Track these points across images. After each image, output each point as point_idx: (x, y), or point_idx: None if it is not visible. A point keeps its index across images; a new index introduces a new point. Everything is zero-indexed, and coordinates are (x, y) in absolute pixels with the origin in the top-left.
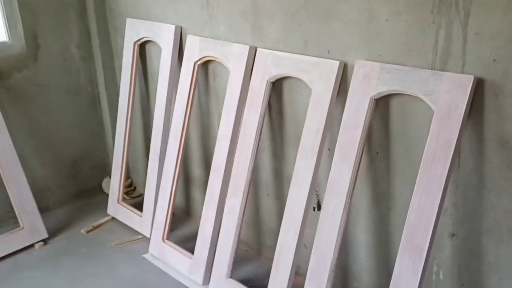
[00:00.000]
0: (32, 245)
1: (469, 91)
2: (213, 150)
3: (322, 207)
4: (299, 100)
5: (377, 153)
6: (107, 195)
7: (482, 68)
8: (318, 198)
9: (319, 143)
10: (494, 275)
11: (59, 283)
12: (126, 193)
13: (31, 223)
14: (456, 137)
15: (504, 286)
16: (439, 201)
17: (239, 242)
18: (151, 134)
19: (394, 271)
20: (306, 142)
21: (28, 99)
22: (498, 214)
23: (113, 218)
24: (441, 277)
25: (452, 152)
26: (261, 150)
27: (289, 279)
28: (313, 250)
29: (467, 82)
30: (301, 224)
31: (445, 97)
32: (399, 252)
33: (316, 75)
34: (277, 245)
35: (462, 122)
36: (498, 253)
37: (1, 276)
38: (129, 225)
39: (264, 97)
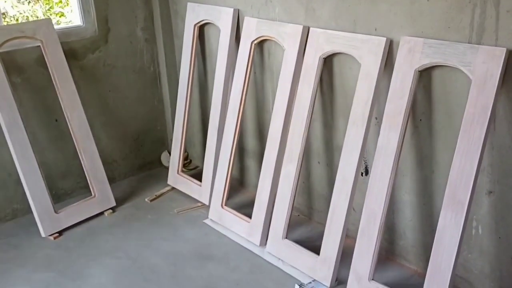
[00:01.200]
0: (102, 213)
1: (502, 62)
2: (267, 123)
3: (371, 171)
4: (349, 74)
5: (420, 120)
6: (165, 168)
7: None
8: (366, 163)
9: (368, 112)
10: None
11: (131, 245)
12: (183, 166)
13: (101, 191)
14: (492, 102)
15: None
16: (477, 160)
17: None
18: (207, 110)
19: (438, 224)
20: (356, 111)
21: (99, 78)
22: None
23: (173, 188)
24: (480, 231)
25: (488, 116)
26: (313, 120)
27: (341, 238)
28: (363, 210)
29: (500, 54)
30: (352, 187)
31: (481, 68)
32: (442, 207)
33: (365, 51)
34: (330, 208)
35: (496, 89)
36: None
37: (78, 239)
38: (188, 193)
39: (317, 72)
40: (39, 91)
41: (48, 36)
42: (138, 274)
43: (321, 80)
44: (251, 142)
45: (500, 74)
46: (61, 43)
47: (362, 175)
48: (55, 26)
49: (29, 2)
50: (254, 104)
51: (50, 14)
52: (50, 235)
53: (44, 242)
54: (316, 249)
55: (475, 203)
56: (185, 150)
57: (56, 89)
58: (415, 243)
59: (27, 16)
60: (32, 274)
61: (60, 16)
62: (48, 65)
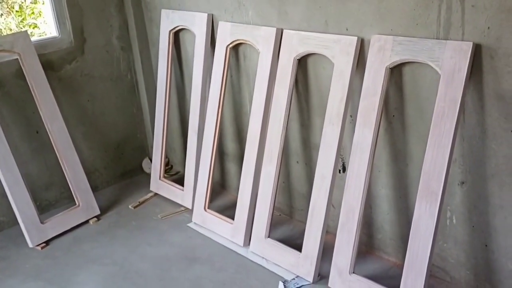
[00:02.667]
0: (87, 221)
1: (469, 55)
2: (245, 126)
3: (348, 168)
4: (323, 74)
5: (393, 116)
6: (147, 174)
7: (479, 35)
8: (343, 161)
9: (343, 111)
10: (499, 215)
11: (117, 251)
12: (164, 171)
13: (85, 200)
14: (461, 95)
15: (509, 223)
16: (449, 151)
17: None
18: (186, 116)
19: (414, 215)
20: (331, 110)
21: (77, 88)
22: (499, 160)
23: (156, 194)
24: (454, 221)
25: (458, 109)
26: (290, 120)
27: (322, 234)
28: (342, 206)
29: (467, 48)
30: (330, 184)
31: (449, 62)
32: (417, 198)
33: (337, 51)
34: (310, 205)
35: (465, 82)
36: (501, 195)
37: (65, 248)
38: (171, 199)
39: (291, 73)
40: (19, 103)
41: (25, 49)
42: (126, 279)
43: (296, 80)
44: (230, 145)
45: (468, 67)
46: (38, 55)
47: (339, 172)
48: (38, 37)
49: (1, 15)
50: (232, 108)
51: (23, 26)
52: (37, 245)
53: (32, 253)
54: (298, 247)
55: (448, 194)
56: (166, 156)
57: (36, 101)
58: (393, 235)
59: (0, 29)
60: (21, 284)
61: (33, 28)
62: (26, 77)
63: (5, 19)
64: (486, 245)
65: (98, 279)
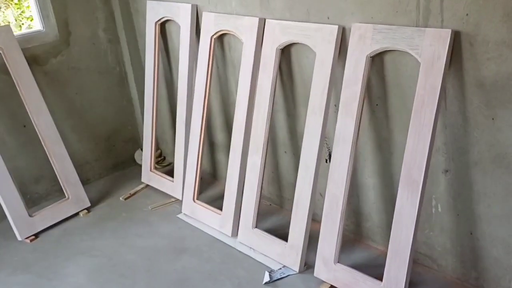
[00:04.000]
0: (77, 214)
1: (448, 43)
2: (233, 115)
3: (332, 157)
4: (306, 63)
5: (376, 105)
6: (139, 166)
7: (458, 22)
8: (329, 150)
9: (325, 100)
10: (483, 202)
11: (106, 243)
12: (157, 163)
13: (75, 193)
14: (440, 83)
15: (492, 211)
16: (429, 139)
17: (263, 197)
18: (176, 107)
19: (396, 204)
20: (314, 100)
21: (63, 82)
22: (482, 147)
23: (147, 185)
24: (439, 209)
25: (437, 97)
26: (277, 111)
27: (307, 224)
28: (326, 195)
29: (445, 35)
30: (314, 173)
31: (428, 50)
32: (399, 187)
33: (318, 40)
34: (295, 195)
35: (444, 70)
36: (485, 183)
37: (55, 241)
38: (162, 190)
39: (275, 63)
40: (4, 98)
41: (8, 43)
42: (114, 270)
43: (280, 70)
44: (220, 136)
45: (447, 55)
46: (23, 49)
47: (326, 161)
48: (23, 31)
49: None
50: (219, 98)
51: (22, 19)
52: (26, 238)
53: (21, 246)
54: (286, 237)
55: (432, 182)
56: (158, 147)
57: (21, 95)
58: (380, 224)
59: None
60: (10, 277)
61: (31, 20)
62: (10, 72)
63: (3, 12)
64: (471, 233)
65: (86, 271)
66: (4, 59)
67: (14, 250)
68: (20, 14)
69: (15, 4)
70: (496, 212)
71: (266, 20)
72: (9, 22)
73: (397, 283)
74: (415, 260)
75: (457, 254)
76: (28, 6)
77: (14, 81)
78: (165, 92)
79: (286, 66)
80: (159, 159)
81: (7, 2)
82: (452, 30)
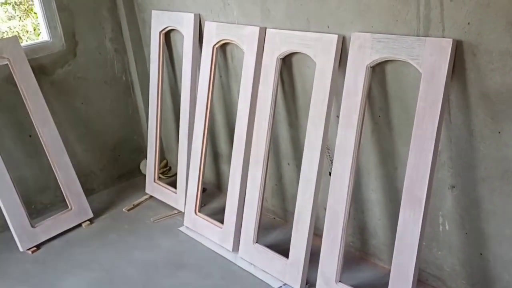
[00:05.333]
0: (79, 225)
1: (449, 53)
2: None
3: (332, 170)
4: (307, 73)
5: (379, 116)
6: (145, 176)
7: (459, 31)
8: (332, 163)
9: (325, 111)
10: (492, 221)
11: (107, 256)
12: (162, 173)
13: (78, 204)
14: (442, 95)
15: (503, 231)
16: (432, 154)
17: (267, 210)
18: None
19: (398, 223)
20: (314, 111)
21: (70, 92)
22: (489, 163)
23: (151, 196)
24: (447, 227)
25: (439, 109)
26: (279, 121)
27: (308, 240)
28: (327, 210)
29: (447, 45)
30: (315, 187)
31: (429, 60)
32: (401, 205)
33: (318, 49)
34: (296, 209)
35: (446, 81)
36: (493, 200)
37: (56, 252)
38: (165, 201)
39: (275, 72)
40: (10, 108)
41: (15, 54)
42: (111, 284)
43: (282, 80)
44: (224, 146)
45: (449, 65)
46: (29, 59)
47: (330, 174)
48: (25, 43)
49: (20, 18)
50: (223, 108)
51: (39, 29)
52: (28, 249)
53: (22, 257)
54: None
55: (439, 199)
56: (164, 158)
57: (27, 105)
58: (386, 241)
59: (17, 32)
60: None
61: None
62: (17, 82)
63: (22, 21)
64: (481, 254)
65: (83, 284)
66: (11, 69)
67: (15, 262)
68: (38, 24)
69: (35, 13)
70: (506, 233)
71: (268, 29)
72: (27, 31)
73: None
74: (424, 281)
75: (467, 276)
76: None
77: (20, 91)
78: (170, 102)
79: (288, 75)
80: (165, 169)
81: (27, 12)
82: (453, 40)
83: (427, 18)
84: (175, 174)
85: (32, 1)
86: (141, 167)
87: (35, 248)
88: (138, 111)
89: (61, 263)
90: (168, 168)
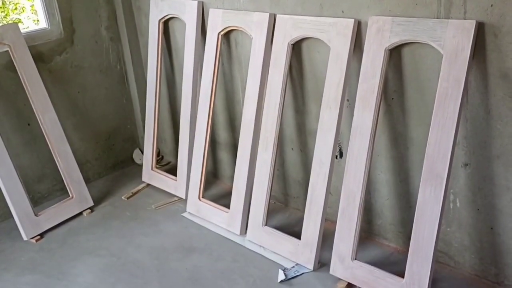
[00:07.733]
0: (81, 213)
1: (472, 34)
2: (238, 114)
3: (346, 153)
4: (317, 58)
5: (392, 98)
6: (138, 165)
7: (482, 13)
8: (340, 146)
9: (341, 94)
10: (505, 196)
11: (113, 242)
12: (155, 162)
13: (78, 192)
14: (465, 75)
15: None
16: (453, 133)
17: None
18: (176, 106)
19: (418, 200)
20: (328, 94)
21: (67, 80)
22: (505, 140)
23: (148, 184)
24: (458, 204)
25: (462, 89)
26: (284, 107)
27: (321, 221)
28: (342, 191)
29: (470, 27)
30: (329, 169)
31: (452, 42)
32: (421, 182)
33: (333, 34)
34: (308, 192)
35: (468, 61)
36: (507, 176)
37: (60, 240)
38: (164, 189)
39: (286, 58)
40: (10, 96)
41: (15, 41)
42: (123, 270)
43: (290, 66)
44: (222, 134)
45: (471, 46)
46: (28, 46)
47: (336, 158)
48: (24, 30)
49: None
50: (223, 96)
51: (7, 22)
52: (32, 238)
53: (27, 246)
54: (295, 234)
55: (451, 177)
56: (157, 147)
57: (27, 92)
58: (393, 221)
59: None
60: (18, 277)
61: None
62: (17, 69)
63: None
64: (491, 228)
65: (95, 270)
66: (12, 56)
67: (21, 250)
68: (5, 17)
69: None
70: None
71: (278, 15)
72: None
73: (420, 280)
74: None
75: (476, 250)
76: (17, 9)
77: (21, 78)
78: (165, 91)
79: (296, 61)
80: (158, 158)
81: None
82: (476, 21)
83: (449, 1)
84: (168, 163)
85: None
86: (134, 157)
87: (38, 237)
88: (131, 100)
89: (68, 250)
90: (160, 157)
